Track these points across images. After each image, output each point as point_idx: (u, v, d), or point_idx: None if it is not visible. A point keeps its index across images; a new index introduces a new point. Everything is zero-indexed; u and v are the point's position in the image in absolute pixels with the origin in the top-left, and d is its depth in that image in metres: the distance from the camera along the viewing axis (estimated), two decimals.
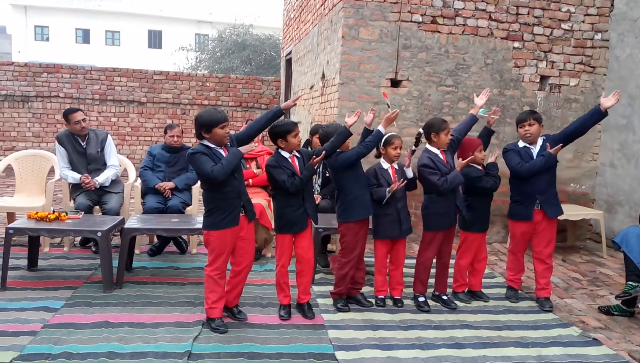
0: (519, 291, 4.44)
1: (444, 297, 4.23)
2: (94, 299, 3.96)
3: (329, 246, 5.44)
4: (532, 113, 4.24)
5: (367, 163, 4.08)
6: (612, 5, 6.29)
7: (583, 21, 6.28)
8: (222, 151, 3.51)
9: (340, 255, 4.04)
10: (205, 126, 3.44)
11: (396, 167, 4.09)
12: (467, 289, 4.41)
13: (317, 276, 4.66)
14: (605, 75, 6.39)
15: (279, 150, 3.75)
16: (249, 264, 3.72)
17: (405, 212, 4.09)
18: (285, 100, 10.76)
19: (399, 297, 4.16)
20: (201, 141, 3.51)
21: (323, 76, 6.82)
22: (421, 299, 4.15)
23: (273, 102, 11.76)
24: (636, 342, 3.65)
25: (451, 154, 4.16)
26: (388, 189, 3.91)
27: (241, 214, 3.56)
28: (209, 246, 3.55)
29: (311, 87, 7.67)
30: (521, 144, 4.28)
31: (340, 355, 3.25)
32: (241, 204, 3.56)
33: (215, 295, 3.55)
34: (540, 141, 4.22)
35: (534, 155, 4.19)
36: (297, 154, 3.77)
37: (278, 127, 3.72)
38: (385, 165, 4.07)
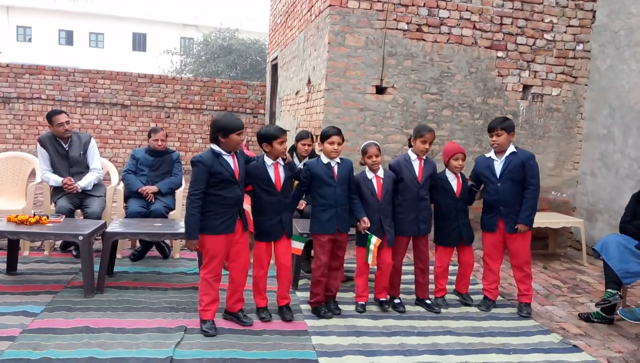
0: (494, 301, 4.42)
1: (427, 301, 4.27)
2: (74, 304, 3.91)
3: (313, 253, 5.43)
4: (501, 122, 4.21)
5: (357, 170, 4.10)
6: (594, 17, 6.41)
7: (565, 32, 6.39)
8: (230, 159, 3.53)
9: (313, 261, 4.05)
10: (222, 130, 3.46)
11: (381, 176, 4.07)
12: (445, 294, 4.43)
13: (300, 282, 4.65)
14: (586, 85, 6.50)
15: (264, 155, 3.76)
16: (243, 268, 3.71)
17: (388, 223, 4.07)
18: (271, 105, 10.76)
19: (384, 299, 4.16)
20: (212, 146, 3.52)
21: (309, 81, 6.83)
22: (396, 301, 4.23)
23: (258, 107, 11.78)
24: (615, 348, 3.70)
25: (430, 174, 4.22)
26: (360, 222, 3.94)
27: (237, 218, 3.59)
28: (202, 249, 3.55)
29: (297, 93, 7.69)
30: (488, 155, 4.34)
31: (323, 361, 3.24)
32: (237, 211, 3.59)
33: (209, 297, 3.57)
34: (509, 151, 4.21)
35: (497, 170, 4.22)
36: (281, 162, 3.77)
37: (266, 131, 3.74)
38: (370, 175, 4.07)
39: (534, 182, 4.18)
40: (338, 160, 3.93)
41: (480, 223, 4.40)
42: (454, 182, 4.29)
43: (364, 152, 4.04)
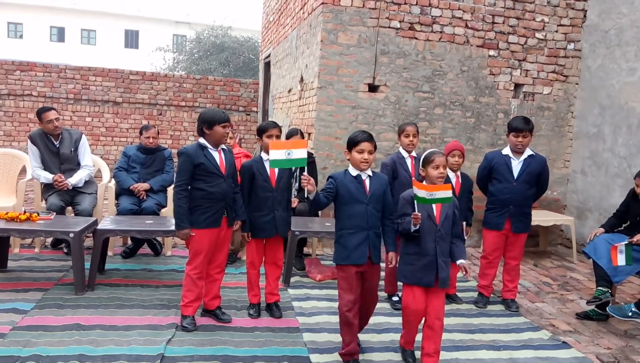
0: (489, 298, 4.46)
1: (394, 298, 4.27)
2: (65, 301, 3.89)
3: (305, 250, 5.44)
4: (528, 124, 4.20)
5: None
6: (585, 16, 6.45)
7: (556, 31, 6.42)
8: (215, 153, 3.55)
9: (338, 299, 3.23)
10: (207, 122, 3.51)
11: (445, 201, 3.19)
12: None
13: (292, 279, 4.66)
14: (577, 84, 6.54)
15: (262, 152, 3.82)
16: (220, 264, 3.73)
17: (445, 255, 3.16)
18: (264, 103, 10.74)
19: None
20: (199, 139, 3.57)
21: (302, 79, 6.83)
22: (395, 298, 4.25)
23: (251, 105, 11.75)
24: (604, 345, 3.73)
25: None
26: (413, 217, 3.07)
27: (224, 216, 3.59)
28: (188, 244, 3.58)
29: (289, 91, 7.68)
30: (504, 152, 4.31)
31: (314, 358, 3.25)
32: (224, 206, 3.58)
33: (192, 294, 3.58)
34: (527, 153, 4.24)
35: (514, 169, 4.22)
36: None
37: (260, 125, 3.86)
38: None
39: (545, 188, 4.36)
40: (370, 172, 3.18)
41: (484, 220, 4.39)
42: (453, 180, 4.29)
43: (428, 161, 3.20)
